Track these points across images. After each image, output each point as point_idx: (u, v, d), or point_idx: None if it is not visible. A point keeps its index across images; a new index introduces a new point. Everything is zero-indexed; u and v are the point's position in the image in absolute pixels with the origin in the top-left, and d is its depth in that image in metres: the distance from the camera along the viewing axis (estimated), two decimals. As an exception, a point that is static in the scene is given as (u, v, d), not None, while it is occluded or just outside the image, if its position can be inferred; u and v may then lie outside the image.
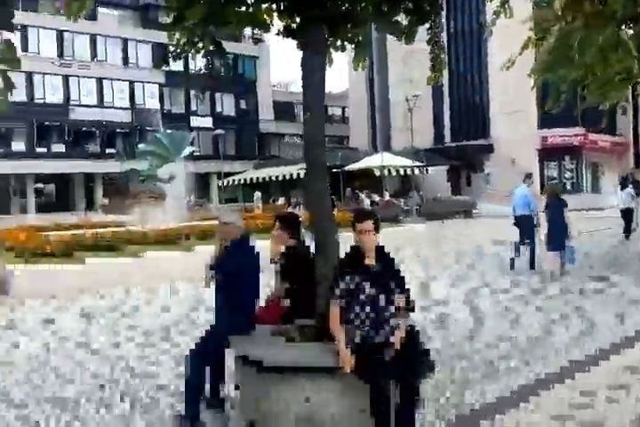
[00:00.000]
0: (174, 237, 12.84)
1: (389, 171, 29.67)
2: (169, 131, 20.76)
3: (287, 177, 32.63)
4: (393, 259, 3.68)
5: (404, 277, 3.66)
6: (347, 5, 4.23)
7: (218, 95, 47.03)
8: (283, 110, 52.19)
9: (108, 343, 6.37)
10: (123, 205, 29.77)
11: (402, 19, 4.45)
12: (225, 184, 36.00)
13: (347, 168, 26.94)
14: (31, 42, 38.38)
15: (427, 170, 32.02)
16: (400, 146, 35.25)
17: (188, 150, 18.91)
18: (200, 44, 4.83)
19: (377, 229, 3.54)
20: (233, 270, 4.22)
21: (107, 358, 5.81)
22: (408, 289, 3.63)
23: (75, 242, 11.73)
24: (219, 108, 47.24)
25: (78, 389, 4.91)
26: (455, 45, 37.21)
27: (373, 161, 27.52)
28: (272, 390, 3.55)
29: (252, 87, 48.76)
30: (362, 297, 3.46)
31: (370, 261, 3.54)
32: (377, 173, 28.66)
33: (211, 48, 4.84)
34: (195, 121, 44.61)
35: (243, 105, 49.05)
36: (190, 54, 4.88)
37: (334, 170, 32.95)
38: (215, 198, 42.92)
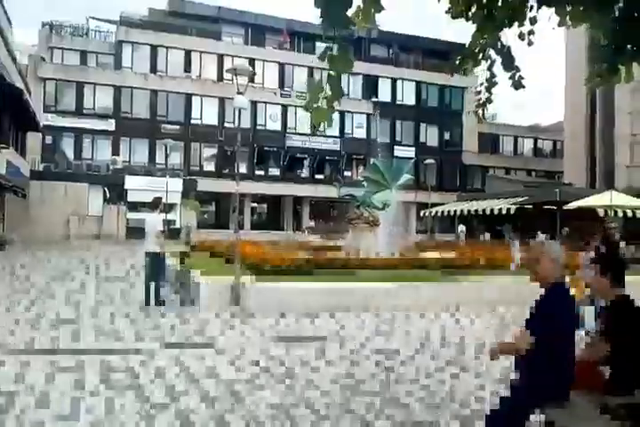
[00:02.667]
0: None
1: (615, 212, 26.39)
2: (384, 159, 20.87)
3: (495, 212, 30.94)
4: None
5: None
6: None
7: (423, 126, 47.27)
8: (488, 143, 50.42)
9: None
10: (327, 227, 30.86)
11: None
12: (428, 215, 35.41)
13: (569, 206, 24.45)
14: (257, 74, 42.20)
15: (659, 212, 27.92)
16: (623, 184, 31.45)
17: (405, 178, 18.62)
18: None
19: None
20: (549, 318, 3.52)
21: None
22: None
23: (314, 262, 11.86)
24: (422, 139, 47.26)
25: None
26: None
27: (600, 200, 24.65)
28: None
29: (457, 118, 47.96)
30: None
31: None
32: (601, 213, 25.67)
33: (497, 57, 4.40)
34: (398, 151, 45.05)
35: (447, 136, 48.50)
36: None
37: (546, 206, 30.54)
38: (412, 229, 42.54)
